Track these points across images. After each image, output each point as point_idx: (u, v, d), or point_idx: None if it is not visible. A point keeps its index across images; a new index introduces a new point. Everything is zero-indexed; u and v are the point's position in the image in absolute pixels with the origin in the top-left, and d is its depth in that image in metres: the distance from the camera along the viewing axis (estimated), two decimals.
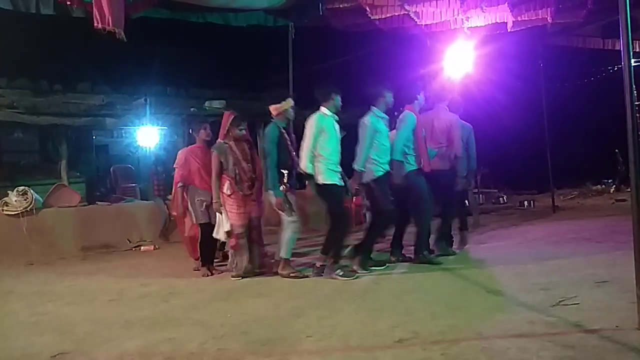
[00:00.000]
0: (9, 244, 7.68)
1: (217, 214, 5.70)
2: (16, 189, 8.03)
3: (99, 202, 9.58)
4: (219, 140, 5.82)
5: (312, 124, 5.45)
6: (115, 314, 4.51)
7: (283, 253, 5.57)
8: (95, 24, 5.26)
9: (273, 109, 5.62)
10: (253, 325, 3.92)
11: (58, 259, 7.59)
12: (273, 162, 5.42)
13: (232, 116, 5.77)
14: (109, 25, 5.25)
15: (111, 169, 12.60)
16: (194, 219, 6.03)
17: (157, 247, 8.37)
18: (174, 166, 6.26)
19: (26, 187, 8.07)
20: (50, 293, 5.45)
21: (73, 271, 6.71)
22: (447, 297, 4.43)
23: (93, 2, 5.31)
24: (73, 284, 5.94)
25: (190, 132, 6.68)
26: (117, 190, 11.72)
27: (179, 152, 6.39)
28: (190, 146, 6.36)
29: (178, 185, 6.12)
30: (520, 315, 3.77)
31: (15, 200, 7.88)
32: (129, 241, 8.56)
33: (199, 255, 6.11)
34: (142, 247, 8.35)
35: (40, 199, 8.27)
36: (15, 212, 7.81)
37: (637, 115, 3.65)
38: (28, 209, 7.88)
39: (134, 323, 4.18)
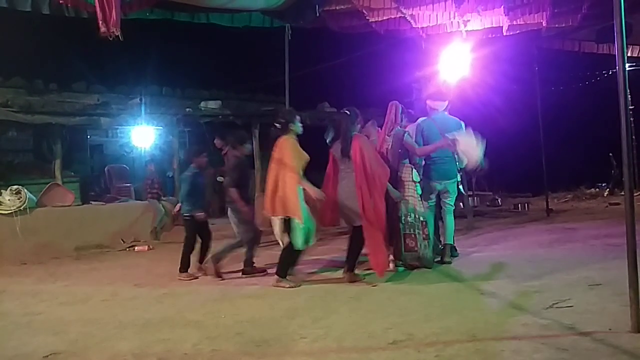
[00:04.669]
0: (2, 243, 7.64)
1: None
2: (10, 188, 7.98)
3: (93, 202, 9.54)
4: (396, 128, 5.59)
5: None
6: (109, 314, 4.50)
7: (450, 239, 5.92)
8: (102, 30, 5.20)
9: (438, 104, 5.83)
10: (247, 326, 3.92)
11: (51, 258, 7.55)
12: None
13: (400, 106, 5.69)
14: (112, 26, 5.20)
15: (106, 169, 12.56)
16: None
17: (151, 247, 8.34)
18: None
19: (20, 186, 8.02)
20: (43, 293, 5.43)
21: (66, 271, 6.68)
22: (441, 299, 4.43)
23: (97, 5, 5.24)
24: (66, 284, 5.92)
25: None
26: (112, 190, 11.69)
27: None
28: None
29: None
30: (514, 317, 3.78)
31: (9, 200, 7.84)
32: (123, 241, 8.53)
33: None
34: (136, 248, 8.32)
35: (34, 198, 8.23)
36: (9, 212, 7.76)
37: (631, 119, 3.68)
38: (21, 208, 7.84)
39: (128, 324, 4.16)
